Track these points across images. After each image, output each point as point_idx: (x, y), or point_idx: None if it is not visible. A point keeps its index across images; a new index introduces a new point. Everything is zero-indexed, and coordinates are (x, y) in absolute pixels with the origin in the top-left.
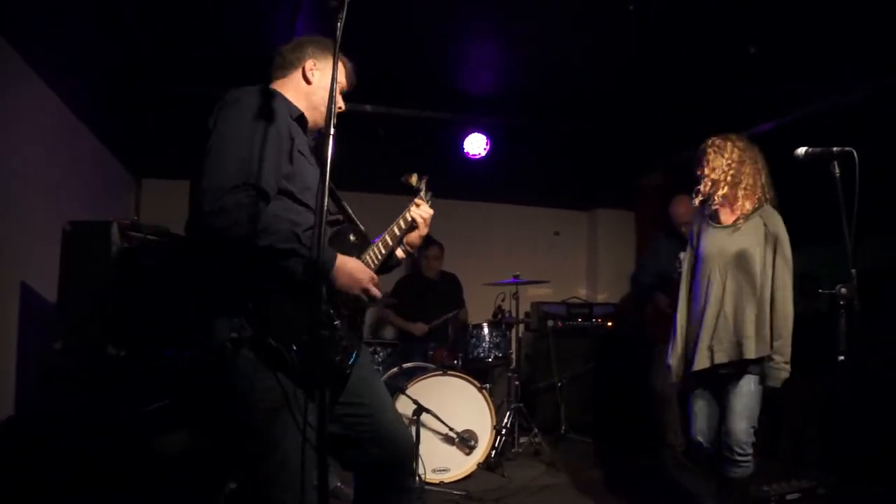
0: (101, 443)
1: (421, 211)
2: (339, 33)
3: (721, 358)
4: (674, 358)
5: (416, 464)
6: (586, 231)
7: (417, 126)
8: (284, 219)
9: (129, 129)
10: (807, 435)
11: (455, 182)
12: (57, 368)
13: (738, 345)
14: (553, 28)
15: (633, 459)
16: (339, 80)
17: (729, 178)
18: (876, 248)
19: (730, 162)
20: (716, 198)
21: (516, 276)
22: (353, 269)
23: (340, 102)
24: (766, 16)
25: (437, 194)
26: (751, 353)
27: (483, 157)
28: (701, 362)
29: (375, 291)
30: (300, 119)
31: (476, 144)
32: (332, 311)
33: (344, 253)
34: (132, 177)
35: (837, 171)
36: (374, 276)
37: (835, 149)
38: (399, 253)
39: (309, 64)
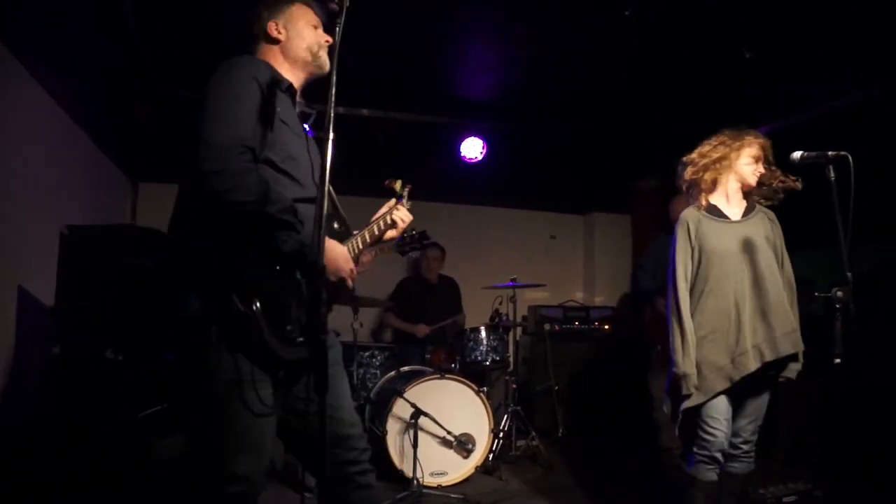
0: (100, 446)
1: (402, 214)
2: (338, 38)
3: (769, 356)
4: (688, 366)
5: (414, 467)
6: (583, 235)
7: (414, 130)
8: (281, 191)
9: (126, 133)
10: (803, 437)
11: (452, 186)
12: (55, 372)
13: (787, 337)
14: (549, 33)
15: (630, 462)
16: (308, 21)
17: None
18: (871, 253)
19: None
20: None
21: (513, 280)
22: (338, 255)
23: (325, 37)
24: (762, 20)
25: (435, 198)
26: (800, 344)
27: (480, 160)
28: (750, 364)
29: (350, 283)
30: (289, 90)
31: (473, 148)
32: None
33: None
34: (129, 181)
35: (833, 175)
36: (354, 267)
37: (830, 153)
38: (366, 256)
39: (270, 26)
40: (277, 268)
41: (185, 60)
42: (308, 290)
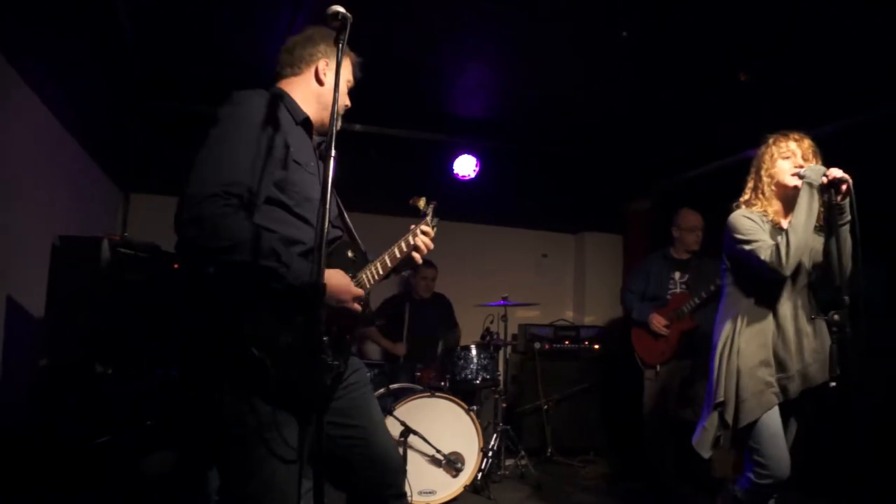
0: (87, 460)
1: (426, 240)
2: (340, 56)
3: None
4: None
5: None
6: (574, 254)
7: (408, 146)
8: (269, 233)
9: (119, 144)
10: None
11: (444, 203)
12: (43, 384)
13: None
14: (544, 54)
15: (620, 483)
16: (347, 77)
17: None
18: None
19: None
20: None
21: (505, 298)
22: (336, 283)
23: (346, 99)
24: (757, 43)
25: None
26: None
27: (472, 178)
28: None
29: (356, 307)
30: (305, 122)
31: (466, 166)
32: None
33: (341, 269)
34: (120, 191)
35: (837, 197)
36: (359, 292)
37: (830, 177)
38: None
39: (322, 64)
40: (279, 308)
41: (179, 72)
42: (286, 304)
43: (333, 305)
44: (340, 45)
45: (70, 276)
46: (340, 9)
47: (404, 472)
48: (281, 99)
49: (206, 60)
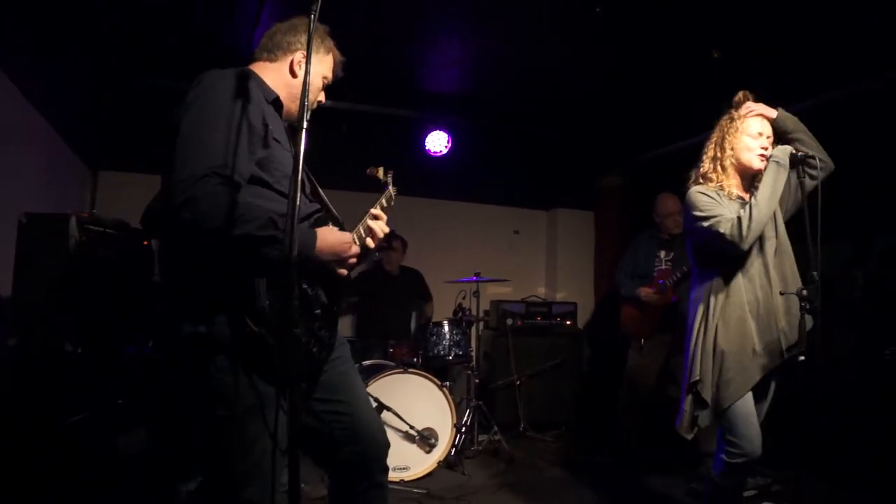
0: (59, 441)
1: (381, 224)
2: (312, 26)
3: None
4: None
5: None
6: (546, 230)
7: (379, 122)
8: (260, 205)
9: (87, 120)
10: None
11: (416, 179)
12: (11, 365)
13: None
14: (516, 30)
15: (591, 457)
16: (324, 73)
17: None
18: (825, 253)
19: None
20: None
21: (477, 275)
22: (333, 241)
23: (321, 96)
24: (730, 21)
25: (399, 191)
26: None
27: (444, 154)
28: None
29: (343, 272)
30: (275, 102)
31: (437, 142)
32: (312, 300)
33: None
34: (88, 169)
35: (803, 174)
36: (356, 249)
37: (799, 153)
38: None
39: (298, 56)
40: (279, 282)
41: (148, 47)
42: (280, 282)
43: (331, 261)
44: (314, 16)
45: (37, 253)
46: None
47: (388, 445)
48: (251, 79)
49: (176, 36)
